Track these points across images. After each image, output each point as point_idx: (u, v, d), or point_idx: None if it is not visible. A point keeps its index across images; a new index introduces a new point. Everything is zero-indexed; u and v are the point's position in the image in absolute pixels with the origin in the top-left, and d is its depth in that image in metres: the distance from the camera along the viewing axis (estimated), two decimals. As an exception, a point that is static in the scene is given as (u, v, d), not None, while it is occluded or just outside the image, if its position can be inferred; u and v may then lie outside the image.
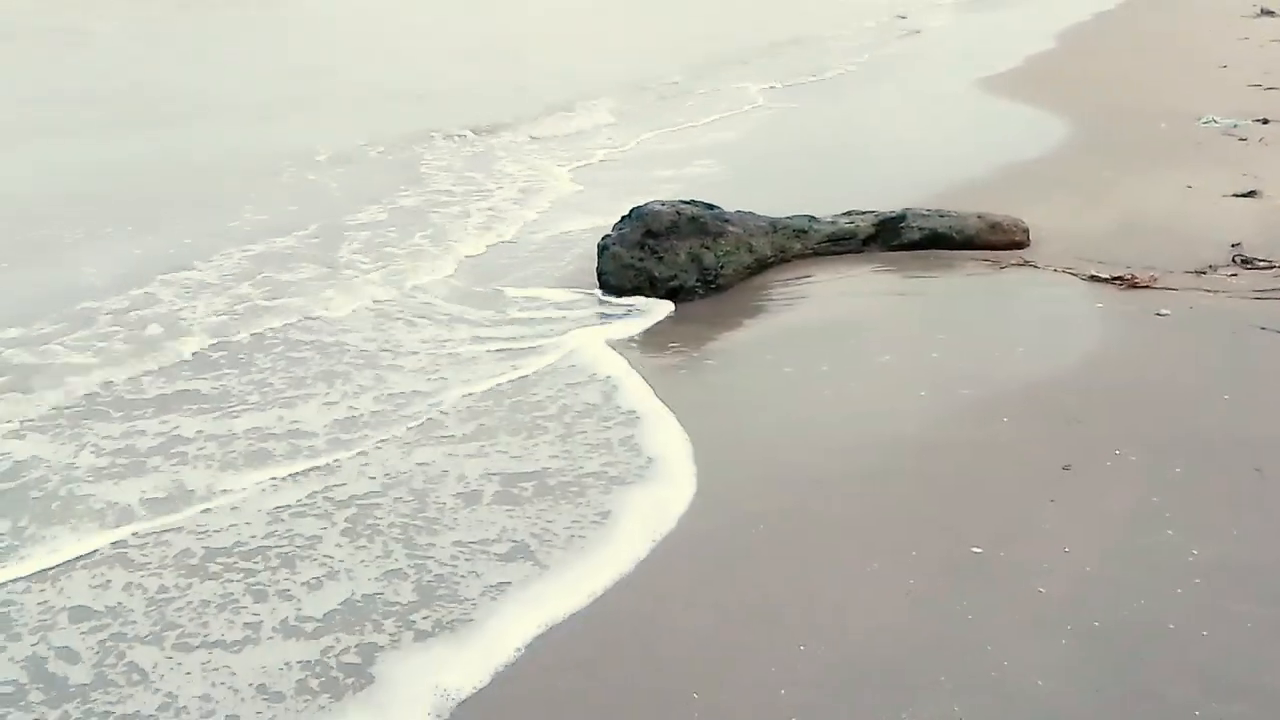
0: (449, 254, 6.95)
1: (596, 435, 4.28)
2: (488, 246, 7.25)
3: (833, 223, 6.58)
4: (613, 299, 5.96)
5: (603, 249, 6.14)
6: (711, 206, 6.36)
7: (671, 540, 3.55)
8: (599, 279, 6.14)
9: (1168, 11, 20.00)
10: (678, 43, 16.70)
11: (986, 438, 4.12)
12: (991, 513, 3.59)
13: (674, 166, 9.42)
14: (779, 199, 7.10)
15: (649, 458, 4.07)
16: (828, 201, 7.01)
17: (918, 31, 19.94)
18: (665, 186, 8.17)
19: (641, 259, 5.98)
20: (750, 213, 6.45)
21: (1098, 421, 4.17)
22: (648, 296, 5.92)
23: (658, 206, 6.13)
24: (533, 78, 14.14)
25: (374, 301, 5.99)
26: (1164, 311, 5.21)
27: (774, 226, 6.39)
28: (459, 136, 10.72)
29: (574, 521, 3.66)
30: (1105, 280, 5.68)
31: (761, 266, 6.26)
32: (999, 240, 6.44)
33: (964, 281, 6.00)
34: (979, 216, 6.53)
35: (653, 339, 5.49)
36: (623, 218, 6.25)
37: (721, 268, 6.02)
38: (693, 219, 6.07)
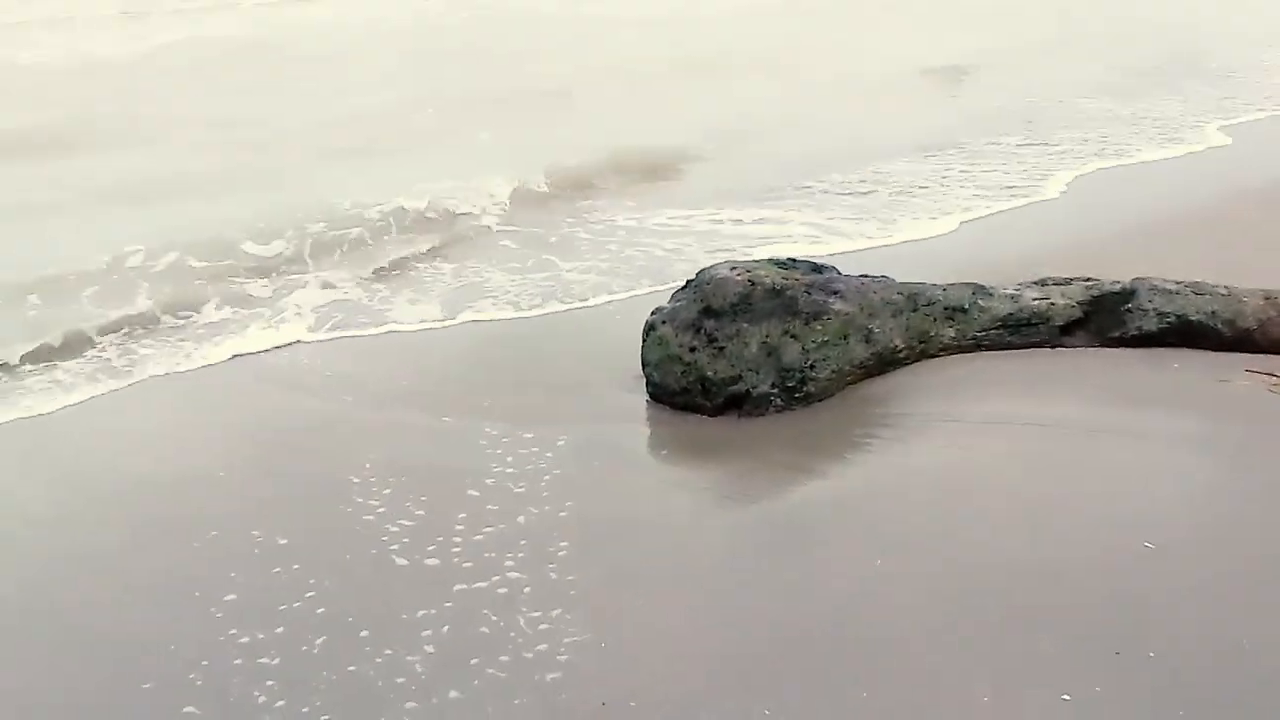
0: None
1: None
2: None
3: (1013, 296, 4.26)
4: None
5: (649, 329, 4.17)
6: (819, 269, 4.25)
7: None
8: (643, 370, 4.18)
9: None
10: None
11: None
12: None
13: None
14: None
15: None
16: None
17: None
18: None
19: (693, 348, 3.96)
20: (881, 278, 4.27)
21: None
22: (700, 405, 3.90)
23: (724, 271, 4.08)
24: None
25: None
26: None
27: (913, 301, 4.16)
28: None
29: None
30: None
31: (885, 364, 4.06)
32: (1298, 337, 3.90)
33: (1229, 410, 3.54)
34: (1266, 297, 4.01)
35: (654, 503, 3.48)
36: (683, 285, 4.28)
37: (812, 366, 3.88)
38: (774, 290, 3.97)
